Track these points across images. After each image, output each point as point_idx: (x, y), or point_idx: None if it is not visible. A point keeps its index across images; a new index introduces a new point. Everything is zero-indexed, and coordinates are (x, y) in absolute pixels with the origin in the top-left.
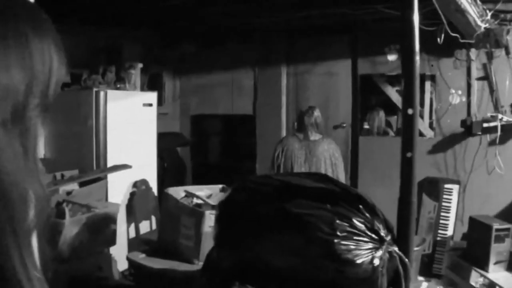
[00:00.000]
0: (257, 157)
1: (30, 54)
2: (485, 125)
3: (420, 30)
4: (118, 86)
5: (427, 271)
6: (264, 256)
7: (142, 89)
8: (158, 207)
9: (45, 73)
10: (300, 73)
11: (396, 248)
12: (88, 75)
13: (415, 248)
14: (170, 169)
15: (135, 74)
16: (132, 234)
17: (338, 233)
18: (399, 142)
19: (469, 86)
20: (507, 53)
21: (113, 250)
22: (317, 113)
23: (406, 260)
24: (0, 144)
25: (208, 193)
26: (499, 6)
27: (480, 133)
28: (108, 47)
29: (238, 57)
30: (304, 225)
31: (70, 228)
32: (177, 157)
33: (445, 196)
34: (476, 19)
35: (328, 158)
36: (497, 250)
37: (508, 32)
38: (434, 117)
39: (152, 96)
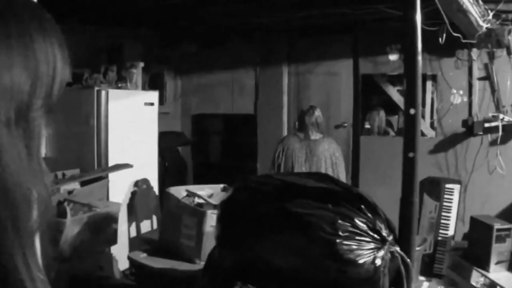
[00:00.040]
0: (258, 157)
1: (34, 54)
2: (486, 125)
3: (422, 30)
4: (120, 85)
5: (428, 271)
6: (265, 256)
7: (144, 88)
8: (159, 207)
9: (49, 73)
10: (302, 73)
11: (398, 248)
12: (90, 74)
13: (416, 248)
14: (171, 169)
15: (137, 73)
16: (133, 233)
17: (340, 233)
18: (400, 141)
19: (470, 86)
20: (509, 53)
21: (114, 249)
22: (318, 112)
23: (408, 260)
24: (4, 145)
25: (210, 192)
26: (501, 6)
27: (481, 133)
28: (109, 47)
29: (239, 57)
30: (305, 225)
31: (71, 227)
32: (178, 156)
33: (446, 196)
34: (478, 19)
35: (329, 157)
36: (498, 250)
37: (509, 32)
38: (435, 117)
39: (153, 96)
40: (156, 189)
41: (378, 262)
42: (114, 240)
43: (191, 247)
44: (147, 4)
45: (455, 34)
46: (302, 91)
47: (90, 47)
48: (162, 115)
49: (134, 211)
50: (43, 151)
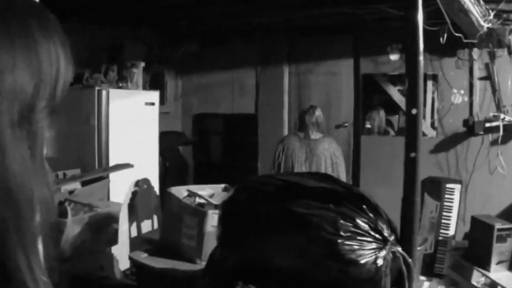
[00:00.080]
0: (259, 156)
1: (37, 55)
2: (487, 124)
3: (423, 29)
4: (120, 85)
5: (428, 270)
6: (267, 256)
7: (144, 88)
8: (160, 206)
9: (52, 74)
10: (302, 73)
11: (399, 248)
12: (90, 74)
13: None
14: (171, 168)
15: (137, 73)
16: (134, 233)
17: (342, 233)
18: (400, 141)
19: (471, 85)
20: (510, 53)
21: (114, 249)
22: (318, 112)
23: (410, 260)
24: (7, 146)
25: (211, 192)
26: (502, 6)
27: (482, 132)
28: (110, 46)
29: (240, 57)
30: (307, 225)
31: (72, 227)
32: (179, 156)
33: (447, 196)
34: (479, 19)
35: (329, 157)
36: (499, 250)
37: (510, 32)
38: (435, 117)
39: (154, 95)
40: (156, 189)
41: (380, 262)
42: (115, 240)
43: (192, 247)
44: (148, 4)
45: (457, 34)
46: (303, 91)
47: (91, 47)
48: (162, 115)
49: (135, 211)
50: (46, 152)
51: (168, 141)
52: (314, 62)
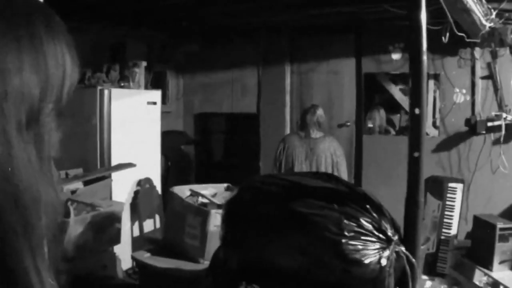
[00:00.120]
0: (260, 156)
1: (44, 57)
2: (489, 124)
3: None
4: (122, 84)
5: (431, 270)
6: (271, 256)
7: (146, 88)
8: (162, 206)
9: (59, 76)
10: (304, 72)
11: (403, 248)
12: (92, 73)
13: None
14: (173, 168)
15: (139, 72)
16: (136, 232)
17: (346, 233)
18: (402, 140)
19: (473, 85)
20: None
21: (117, 248)
22: (319, 111)
23: (413, 260)
24: (15, 149)
25: (213, 192)
26: (504, 5)
27: (484, 132)
28: (112, 46)
29: (242, 56)
30: (311, 225)
31: (75, 227)
32: (181, 155)
33: (449, 195)
34: (481, 18)
35: (329, 156)
36: (501, 249)
37: None
38: (437, 116)
39: (156, 95)
40: (158, 188)
41: (384, 262)
42: (117, 240)
43: (195, 246)
44: (148, 3)
45: (459, 34)
46: (305, 90)
47: (94, 46)
48: (164, 114)
49: (137, 211)
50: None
51: (170, 141)
52: (316, 61)
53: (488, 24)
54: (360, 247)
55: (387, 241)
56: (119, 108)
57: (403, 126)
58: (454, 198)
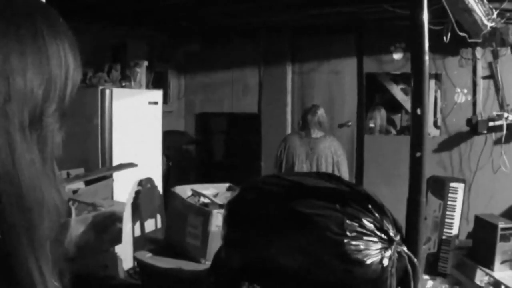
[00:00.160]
0: (262, 156)
1: (47, 58)
2: (490, 123)
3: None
4: (124, 84)
5: (432, 269)
6: (272, 256)
7: (147, 87)
8: (163, 206)
9: (62, 77)
10: (306, 72)
11: (405, 248)
12: (93, 73)
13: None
14: (175, 168)
15: (140, 72)
16: (138, 232)
17: (348, 233)
18: (403, 140)
19: (474, 84)
20: None
21: (118, 248)
22: (320, 111)
23: (415, 260)
24: (18, 150)
25: (215, 192)
26: (505, 5)
27: (485, 131)
28: (113, 45)
29: (243, 55)
30: (313, 225)
31: (76, 226)
32: (182, 155)
33: (450, 195)
34: (482, 18)
35: (330, 156)
36: (502, 249)
37: None
38: (438, 116)
39: (157, 94)
40: (160, 188)
41: (386, 262)
42: (118, 239)
43: (197, 246)
44: (148, 3)
45: (462, 34)
46: (306, 90)
47: (95, 46)
48: (165, 114)
49: (138, 210)
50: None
51: (171, 141)
52: (317, 61)
53: (489, 24)
54: (362, 247)
55: (389, 241)
56: (120, 108)
57: (404, 126)
58: (456, 198)
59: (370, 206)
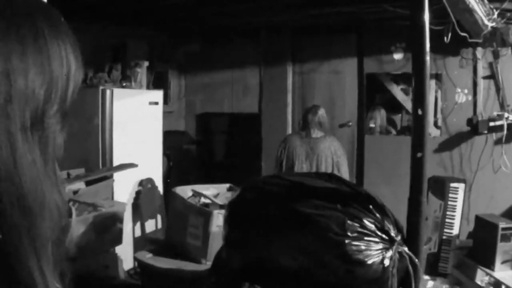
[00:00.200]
0: (262, 156)
1: (48, 58)
2: (491, 124)
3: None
4: (124, 84)
5: (433, 270)
6: (274, 256)
7: (148, 88)
8: (163, 206)
9: (64, 77)
10: (306, 72)
11: (406, 249)
12: (94, 73)
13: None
14: (175, 168)
15: (141, 72)
16: (138, 233)
17: (349, 234)
18: (403, 140)
19: (475, 84)
20: None
21: (119, 249)
22: (321, 112)
23: (416, 260)
24: (20, 151)
25: (215, 192)
26: (506, 5)
27: (486, 131)
28: (113, 45)
29: (244, 56)
30: (314, 226)
31: (77, 227)
32: (183, 155)
33: (451, 195)
34: (483, 18)
35: (330, 156)
36: (503, 249)
37: None
38: (438, 116)
39: (158, 95)
40: (160, 188)
41: (387, 262)
42: (119, 240)
43: (198, 247)
44: (148, 3)
45: (462, 34)
46: (307, 90)
47: (95, 46)
48: (166, 114)
49: (139, 211)
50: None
51: (171, 141)
52: (318, 61)
53: (490, 24)
54: (363, 247)
55: (390, 242)
56: (121, 108)
57: (404, 126)
58: (456, 198)
59: (371, 206)
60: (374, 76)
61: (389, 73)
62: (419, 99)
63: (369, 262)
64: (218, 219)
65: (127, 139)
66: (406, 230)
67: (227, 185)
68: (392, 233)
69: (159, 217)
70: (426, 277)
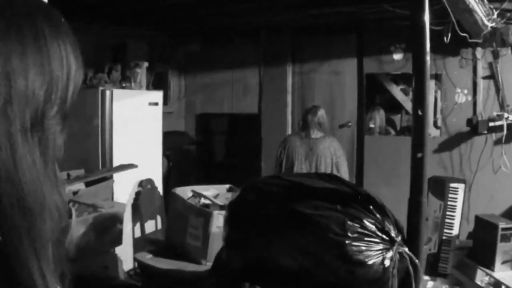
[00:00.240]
0: (262, 156)
1: (48, 59)
2: (491, 124)
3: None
4: (124, 85)
5: (432, 270)
6: (274, 257)
7: (148, 88)
8: (163, 207)
9: (64, 78)
10: (306, 72)
11: (406, 249)
12: (94, 74)
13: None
14: (175, 168)
15: (141, 73)
16: (138, 233)
17: (349, 234)
18: (403, 141)
19: (475, 85)
20: None
21: (119, 250)
22: (321, 112)
23: (417, 261)
24: (20, 152)
25: (215, 193)
26: (505, 5)
27: (486, 132)
28: (113, 46)
29: (244, 56)
30: (314, 226)
31: (77, 228)
32: (182, 156)
33: (450, 195)
34: (483, 18)
35: (329, 156)
36: (503, 249)
37: None
38: (438, 116)
39: (157, 95)
40: (160, 189)
41: (387, 263)
42: (119, 241)
43: (198, 247)
44: (148, 3)
45: (462, 34)
46: (306, 91)
47: (95, 46)
48: (166, 114)
49: (139, 211)
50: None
51: (171, 141)
52: (317, 61)
53: (489, 24)
54: (363, 248)
55: (391, 242)
56: (120, 108)
57: (404, 126)
58: (456, 198)
59: (371, 207)
60: (373, 77)
61: (389, 73)
62: (419, 100)
63: (370, 262)
64: (218, 220)
65: (127, 140)
66: (406, 230)
67: (227, 185)
68: (393, 234)
69: (159, 217)
70: (426, 277)
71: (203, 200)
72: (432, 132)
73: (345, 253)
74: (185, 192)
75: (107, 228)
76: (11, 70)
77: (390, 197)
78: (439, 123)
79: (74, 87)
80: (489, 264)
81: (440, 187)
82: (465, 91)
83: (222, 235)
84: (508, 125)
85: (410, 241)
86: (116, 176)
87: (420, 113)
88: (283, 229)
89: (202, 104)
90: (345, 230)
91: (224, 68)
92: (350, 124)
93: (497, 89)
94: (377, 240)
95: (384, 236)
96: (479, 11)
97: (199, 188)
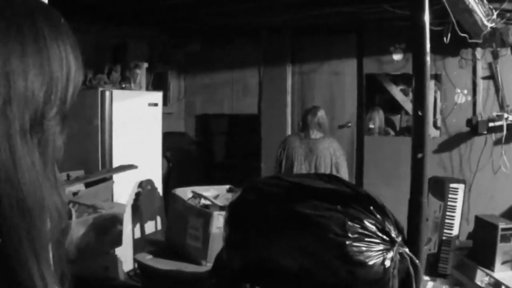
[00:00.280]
0: (262, 157)
1: (48, 59)
2: (490, 124)
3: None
4: (123, 85)
5: (432, 270)
6: (274, 257)
7: (147, 89)
8: (163, 207)
9: (63, 79)
10: (306, 72)
11: (407, 249)
12: (93, 74)
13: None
14: (175, 169)
15: (140, 73)
16: (138, 234)
17: (350, 235)
18: (402, 141)
19: (474, 85)
20: None
21: (118, 250)
22: (320, 113)
23: (417, 261)
24: (19, 153)
25: (215, 193)
26: (505, 5)
27: (485, 132)
28: (113, 46)
29: (243, 56)
30: (315, 227)
31: (77, 229)
32: (182, 156)
33: (450, 196)
34: (483, 18)
35: (329, 156)
36: (503, 249)
37: None
38: (438, 116)
39: (157, 96)
40: (160, 190)
41: (388, 263)
42: (119, 241)
43: (198, 248)
44: (148, 3)
45: (463, 34)
46: (306, 91)
47: (95, 47)
48: (165, 115)
49: (139, 212)
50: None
51: (171, 142)
52: (317, 62)
53: (489, 24)
54: (364, 248)
55: (391, 243)
56: (120, 109)
57: (403, 126)
58: (456, 198)
59: (371, 207)
60: (373, 77)
61: (389, 73)
62: (419, 100)
63: (370, 263)
64: (218, 221)
65: (126, 141)
66: (406, 231)
67: (227, 186)
68: (393, 234)
69: (159, 218)
70: (426, 277)
71: (203, 201)
72: (432, 132)
73: (345, 254)
74: (185, 192)
75: (107, 229)
76: (11, 70)
77: (390, 198)
78: (439, 123)
79: (74, 88)
80: (489, 265)
81: (440, 188)
82: (465, 92)
83: (222, 235)
84: (507, 125)
85: (411, 242)
86: (116, 177)
87: (420, 113)
88: (283, 230)
89: (202, 104)
90: (345, 231)
91: (224, 68)
92: (349, 124)
93: (497, 90)
94: (377, 240)
95: (385, 237)
96: (479, 11)
97: (199, 189)
